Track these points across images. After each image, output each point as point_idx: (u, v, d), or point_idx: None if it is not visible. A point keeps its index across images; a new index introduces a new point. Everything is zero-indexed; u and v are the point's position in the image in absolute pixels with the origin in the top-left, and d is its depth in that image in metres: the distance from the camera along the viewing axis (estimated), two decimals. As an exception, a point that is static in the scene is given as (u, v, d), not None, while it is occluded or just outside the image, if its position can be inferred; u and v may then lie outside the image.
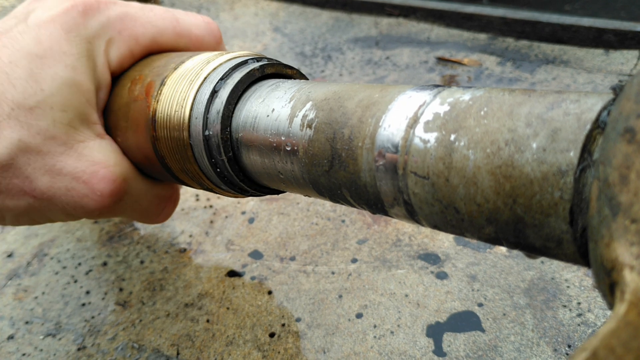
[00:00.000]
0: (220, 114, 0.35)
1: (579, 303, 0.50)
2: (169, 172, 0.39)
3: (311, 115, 0.32)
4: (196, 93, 0.35)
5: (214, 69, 0.36)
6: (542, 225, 0.22)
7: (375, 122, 0.29)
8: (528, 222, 0.23)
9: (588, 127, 0.21)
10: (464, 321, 0.50)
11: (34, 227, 0.65)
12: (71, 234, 0.64)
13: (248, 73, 0.36)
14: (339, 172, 0.30)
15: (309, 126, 0.32)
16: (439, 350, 0.48)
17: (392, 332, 0.50)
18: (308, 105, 0.32)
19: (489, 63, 0.86)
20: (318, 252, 0.59)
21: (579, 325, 0.48)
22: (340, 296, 0.54)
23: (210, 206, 0.66)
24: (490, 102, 0.26)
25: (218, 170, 0.36)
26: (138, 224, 0.65)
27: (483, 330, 0.49)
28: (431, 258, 0.56)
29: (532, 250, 0.24)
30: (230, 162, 0.35)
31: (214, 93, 0.35)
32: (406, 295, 0.53)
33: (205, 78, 0.36)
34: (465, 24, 0.94)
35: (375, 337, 0.50)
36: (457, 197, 0.25)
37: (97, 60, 0.39)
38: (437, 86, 0.29)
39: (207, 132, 0.35)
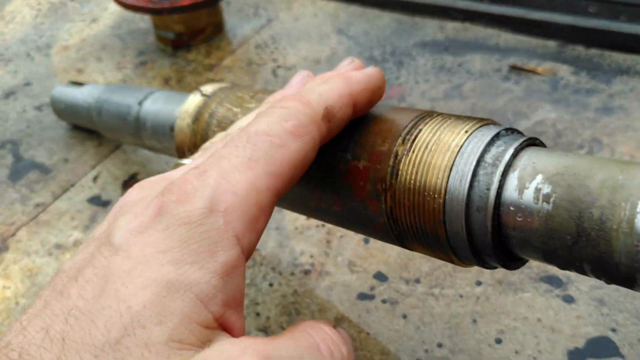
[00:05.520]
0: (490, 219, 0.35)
1: None
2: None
3: (546, 190, 0.34)
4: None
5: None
6: None
7: (631, 207, 0.31)
8: None
9: None
10: (602, 347, 0.53)
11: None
12: (192, 255, 0.66)
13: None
14: (586, 248, 0.32)
15: (546, 201, 0.34)
16: (585, 377, 0.51)
17: (535, 358, 0.53)
18: (539, 178, 0.35)
19: (562, 72, 0.88)
20: (441, 274, 0.62)
21: None
22: (475, 320, 0.57)
23: (322, 225, 0.68)
24: None
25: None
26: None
27: (622, 357, 0.52)
28: (554, 281, 0.59)
29: None
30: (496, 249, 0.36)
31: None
32: (539, 320, 0.56)
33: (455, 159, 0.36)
34: (533, 31, 0.96)
35: (519, 362, 0.53)
36: None
37: (218, 243, 0.29)
38: None
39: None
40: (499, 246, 0.36)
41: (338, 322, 0.58)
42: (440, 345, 0.55)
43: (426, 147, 0.38)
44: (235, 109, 0.50)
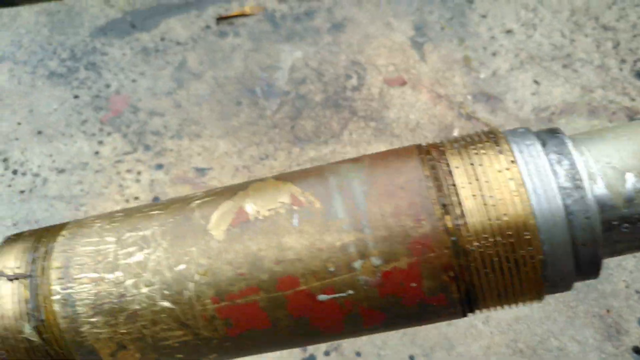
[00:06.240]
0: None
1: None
2: None
3: None
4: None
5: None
6: None
7: None
8: None
9: None
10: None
11: None
12: None
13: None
14: None
15: None
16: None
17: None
18: (630, 177, 0.30)
19: (270, 3, 0.81)
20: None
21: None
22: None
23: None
24: None
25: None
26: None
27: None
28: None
29: None
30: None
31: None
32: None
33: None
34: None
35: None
36: None
37: None
38: None
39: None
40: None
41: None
42: (412, 358, 0.50)
43: (484, 202, 0.29)
44: (111, 275, 0.31)
